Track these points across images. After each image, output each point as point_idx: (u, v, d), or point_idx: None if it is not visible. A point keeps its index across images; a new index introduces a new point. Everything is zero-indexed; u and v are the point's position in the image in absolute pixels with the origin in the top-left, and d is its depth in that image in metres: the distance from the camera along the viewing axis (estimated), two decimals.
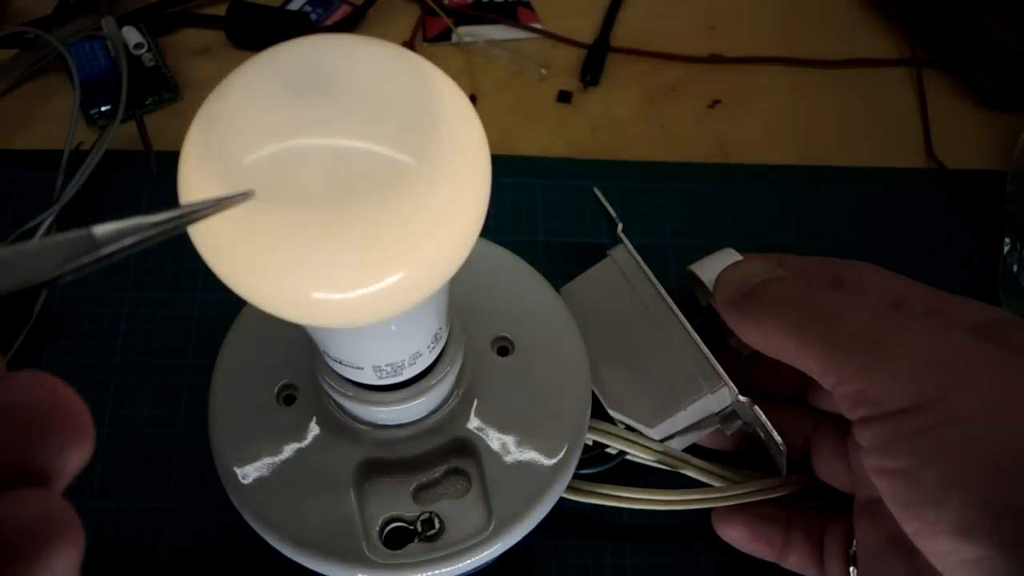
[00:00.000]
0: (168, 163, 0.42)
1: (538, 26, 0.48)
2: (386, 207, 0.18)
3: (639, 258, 0.36)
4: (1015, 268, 0.41)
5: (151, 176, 0.42)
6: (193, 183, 0.19)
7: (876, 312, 0.28)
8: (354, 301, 0.19)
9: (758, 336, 0.30)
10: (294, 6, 0.48)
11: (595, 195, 0.38)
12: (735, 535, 0.34)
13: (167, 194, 0.42)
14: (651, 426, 0.33)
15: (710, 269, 0.35)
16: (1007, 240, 0.42)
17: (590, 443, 0.34)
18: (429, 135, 0.19)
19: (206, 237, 0.19)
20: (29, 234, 0.39)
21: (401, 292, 0.19)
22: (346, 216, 0.18)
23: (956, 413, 0.25)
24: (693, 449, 0.35)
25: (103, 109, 0.43)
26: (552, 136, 0.45)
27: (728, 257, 0.34)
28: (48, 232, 0.39)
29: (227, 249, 0.19)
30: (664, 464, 0.34)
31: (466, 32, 0.47)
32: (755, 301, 0.30)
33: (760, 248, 0.35)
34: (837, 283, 0.32)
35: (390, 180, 0.18)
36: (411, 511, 0.29)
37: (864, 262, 0.32)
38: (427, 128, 0.19)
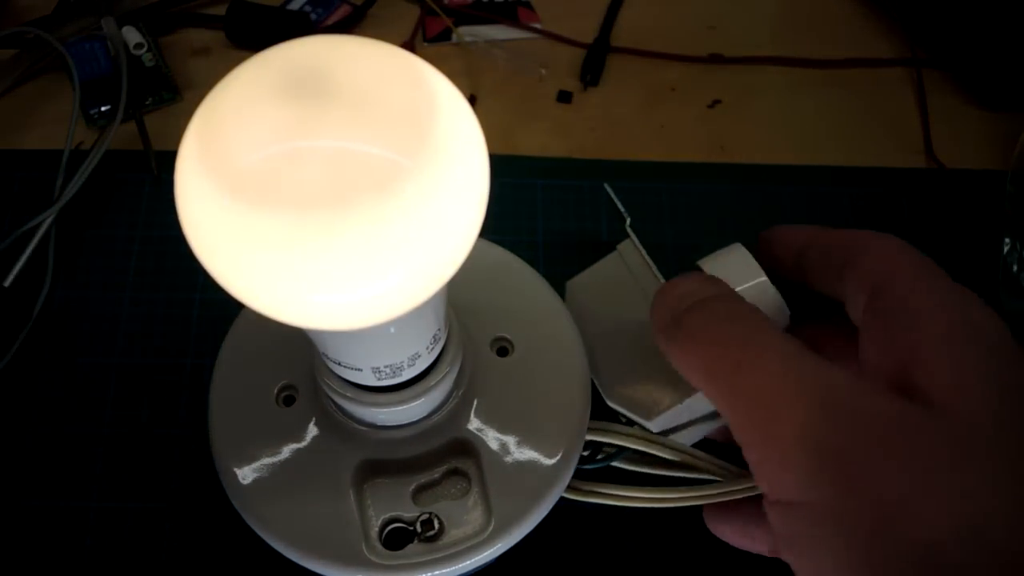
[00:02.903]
0: (168, 163, 0.42)
1: (538, 26, 0.48)
2: (384, 209, 0.18)
3: (645, 254, 0.36)
4: (1015, 268, 0.41)
5: (151, 176, 0.42)
6: (190, 185, 0.19)
7: (785, 357, 0.22)
8: (352, 304, 0.19)
9: (681, 371, 0.26)
10: (294, 6, 0.48)
11: (606, 191, 0.38)
12: (726, 530, 0.34)
13: (167, 194, 0.42)
14: (650, 419, 0.34)
15: (718, 266, 0.35)
16: (1007, 240, 0.42)
17: (587, 452, 0.34)
18: (427, 137, 0.19)
19: (202, 240, 0.19)
20: (29, 234, 0.39)
21: (399, 295, 0.19)
22: (344, 219, 0.18)
23: (857, 513, 0.20)
24: (698, 443, 0.35)
25: (103, 109, 0.43)
26: (552, 136, 0.45)
27: (738, 254, 0.34)
28: (48, 232, 0.39)
29: (223, 252, 0.19)
30: (665, 459, 0.34)
31: (466, 32, 0.47)
32: (677, 330, 0.26)
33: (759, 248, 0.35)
34: (844, 262, 0.27)
35: (388, 182, 0.18)
36: (411, 512, 0.29)
37: (880, 235, 0.28)
38: (424, 129, 0.19)
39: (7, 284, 0.38)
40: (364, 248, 0.18)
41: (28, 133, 0.43)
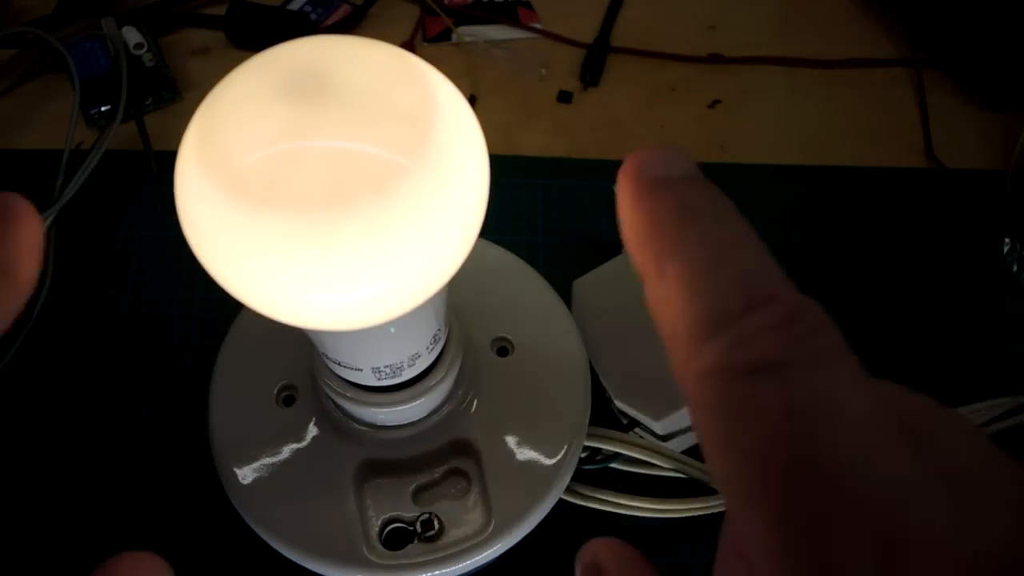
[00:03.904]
0: (168, 163, 0.42)
1: (538, 26, 0.48)
2: (383, 209, 0.18)
3: None
4: (1015, 268, 0.41)
5: (151, 176, 0.42)
6: (190, 185, 0.19)
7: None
8: (352, 304, 0.19)
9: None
10: (294, 6, 0.48)
11: (615, 193, 0.38)
12: None
13: (167, 194, 0.42)
14: (657, 419, 0.34)
15: None
16: (1007, 240, 0.42)
17: (586, 454, 0.34)
18: (426, 137, 0.19)
19: (202, 240, 0.19)
20: None
21: (399, 295, 0.19)
22: (343, 219, 0.18)
23: None
24: (692, 451, 0.35)
25: (103, 109, 0.43)
26: (552, 136, 0.45)
27: None
28: (48, 232, 0.39)
29: (223, 252, 0.19)
30: (661, 465, 0.34)
31: (466, 32, 0.47)
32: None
33: None
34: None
35: (387, 182, 0.18)
36: (411, 512, 0.29)
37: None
38: (424, 129, 0.19)
39: None
40: (364, 248, 0.18)
41: (28, 133, 0.43)
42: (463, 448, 0.30)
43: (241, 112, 0.19)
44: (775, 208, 0.43)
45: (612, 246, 0.38)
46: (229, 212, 0.18)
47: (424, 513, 0.29)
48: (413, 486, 0.30)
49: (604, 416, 0.35)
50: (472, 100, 0.45)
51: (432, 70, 0.20)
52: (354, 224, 0.18)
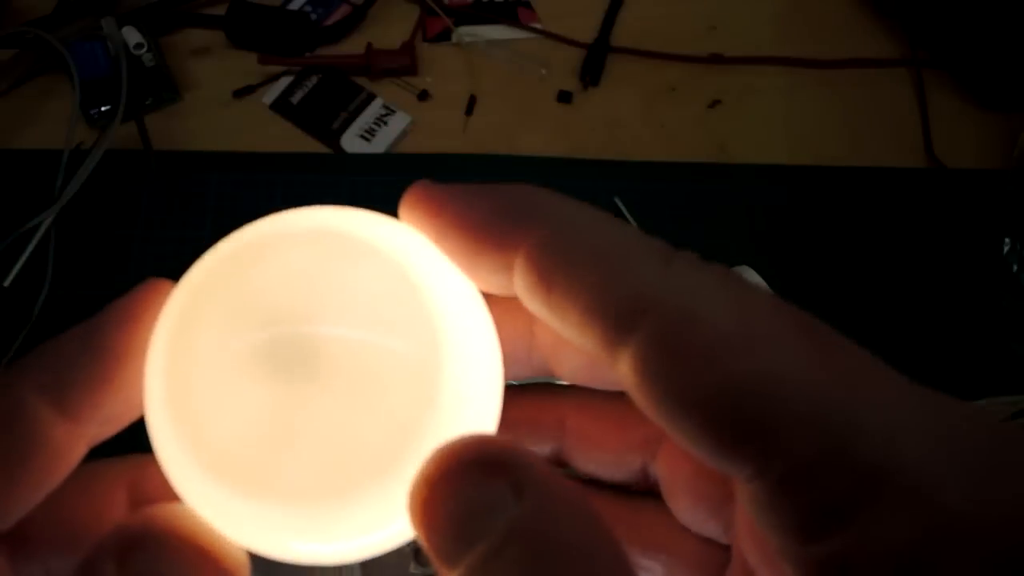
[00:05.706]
0: (168, 163, 0.42)
1: (538, 26, 0.48)
2: (387, 497, 0.15)
3: None
4: (1015, 268, 0.41)
5: (151, 176, 0.42)
6: (167, 453, 0.17)
7: None
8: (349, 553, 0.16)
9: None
10: (294, 6, 0.48)
11: (616, 204, 0.38)
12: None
13: (167, 194, 0.42)
14: None
15: None
16: (1007, 240, 0.42)
17: None
18: (434, 399, 0.15)
19: (183, 494, 0.16)
20: (29, 234, 0.38)
21: (398, 538, 0.16)
22: (341, 511, 0.15)
23: None
24: None
25: (103, 109, 0.43)
26: (552, 136, 0.45)
27: (745, 276, 0.34)
28: (48, 232, 0.39)
29: (205, 516, 0.16)
30: None
31: (466, 32, 0.47)
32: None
33: (760, 248, 0.35)
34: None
35: (391, 466, 0.15)
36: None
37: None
38: (431, 391, 0.15)
39: (7, 284, 0.38)
40: (364, 532, 0.16)
41: (28, 133, 0.43)
42: None
43: (216, 382, 0.16)
44: (775, 208, 0.43)
45: None
46: (213, 494, 0.15)
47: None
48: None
49: None
50: (472, 100, 0.45)
51: (439, 274, 0.17)
52: (354, 516, 0.15)
